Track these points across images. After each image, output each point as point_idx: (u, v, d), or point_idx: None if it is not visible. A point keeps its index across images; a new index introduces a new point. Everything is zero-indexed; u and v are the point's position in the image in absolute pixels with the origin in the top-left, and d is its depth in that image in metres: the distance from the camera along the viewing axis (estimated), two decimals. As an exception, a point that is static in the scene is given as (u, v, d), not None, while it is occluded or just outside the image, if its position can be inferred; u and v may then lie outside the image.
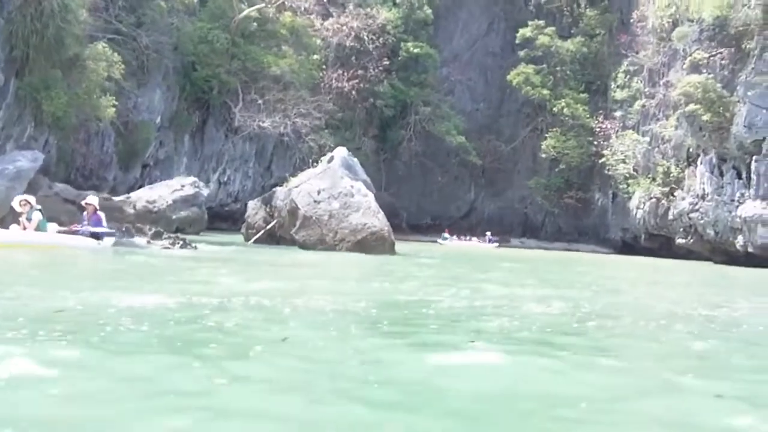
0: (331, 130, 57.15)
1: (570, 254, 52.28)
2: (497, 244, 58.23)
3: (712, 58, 50.39)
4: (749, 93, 46.68)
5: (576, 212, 63.01)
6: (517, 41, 64.73)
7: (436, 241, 57.96)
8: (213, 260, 21.11)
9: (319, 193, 33.42)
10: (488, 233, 60.86)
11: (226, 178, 54.10)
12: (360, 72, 60.92)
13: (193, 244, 26.16)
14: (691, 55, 51.13)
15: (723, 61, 50.03)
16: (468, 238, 59.93)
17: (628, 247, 59.28)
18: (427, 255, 35.46)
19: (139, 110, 46.39)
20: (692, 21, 51.38)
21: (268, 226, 35.57)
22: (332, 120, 57.74)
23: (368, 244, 31.61)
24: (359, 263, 25.89)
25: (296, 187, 34.51)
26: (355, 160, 37.88)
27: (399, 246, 35.29)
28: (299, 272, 19.23)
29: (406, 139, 64.22)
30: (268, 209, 36.25)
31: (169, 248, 23.87)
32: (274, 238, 35.16)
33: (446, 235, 59.87)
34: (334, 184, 33.63)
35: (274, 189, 38.25)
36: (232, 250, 28.77)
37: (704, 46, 50.88)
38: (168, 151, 49.83)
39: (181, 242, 24.79)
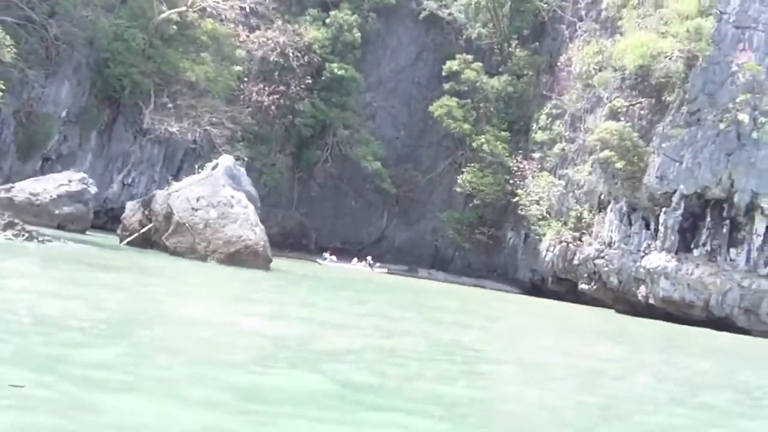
0: (247, 143, 57.16)
1: (458, 288, 53.17)
2: (386, 270, 59.10)
3: (631, 106, 51.66)
4: (664, 144, 47.94)
5: (487, 249, 63.64)
6: (443, 73, 65.32)
7: (316, 261, 58.36)
8: (50, 259, 21.16)
9: (198, 200, 33.54)
10: (369, 257, 61.40)
11: (130, 180, 53.77)
12: (282, 88, 61.19)
13: (42, 238, 25.97)
14: (611, 102, 52.17)
15: (642, 111, 51.30)
16: (351, 261, 60.29)
17: (536, 288, 60.03)
18: (297, 275, 35.80)
19: (44, 101, 46.02)
20: (616, 69, 52.45)
21: (143, 230, 35.44)
22: (248, 133, 57.74)
23: (241, 257, 31.82)
24: (209, 278, 26.04)
25: (176, 191, 34.53)
26: (242, 170, 38.11)
27: (278, 262, 35.63)
28: (119, 281, 19.44)
29: (323, 159, 64.39)
30: (146, 212, 36.13)
31: (11, 239, 23.65)
32: (149, 242, 35.06)
33: (326, 255, 60.08)
34: (214, 192, 33.77)
35: (155, 192, 38.18)
36: (92, 251, 28.59)
37: (625, 95, 52.15)
38: (72, 146, 49.46)
39: (27, 234, 24.58)
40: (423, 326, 18.82)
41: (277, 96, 60.68)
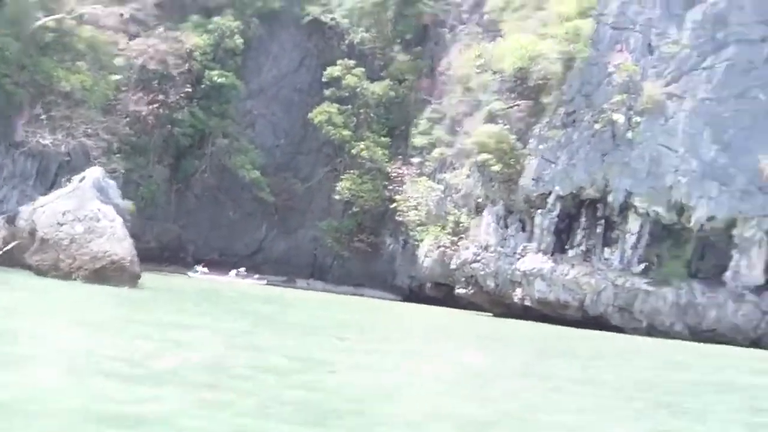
0: (124, 154, 55.13)
1: (333, 298, 52.51)
2: (264, 282, 58.40)
3: (510, 109, 51.45)
4: (540, 146, 48.00)
5: (366, 257, 62.94)
6: (324, 79, 64.63)
7: (186, 274, 56.96)
8: None
9: (63, 214, 32.25)
10: (242, 269, 60.27)
11: (2, 196, 51.19)
12: (161, 97, 59.31)
13: None
14: (490, 105, 52.03)
15: (520, 113, 51.25)
16: (228, 273, 59.04)
17: (415, 294, 59.58)
18: (160, 290, 34.69)
19: None
20: (495, 72, 52.35)
21: (6, 247, 33.79)
22: (125, 145, 55.79)
23: (106, 273, 30.62)
24: (55, 298, 25.08)
25: (42, 206, 33.12)
26: (112, 182, 36.76)
27: (148, 278, 34.58)
28: None
29: (201, 170, 62.88)
30: (10, 229, 34.50)
31: None
32: (13, 260, 33.41)
33: (197, 268, 58.70)
34: (81, 206, 32.48)
35: (19, 208, 36.55)
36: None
37: (504, 98, 52.08)
38: (-64, 159, 46.98)
39: None
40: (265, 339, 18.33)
41: (156, 105, 58.78)
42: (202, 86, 62.47)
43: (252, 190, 63.74)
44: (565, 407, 14.70)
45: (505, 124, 50.69)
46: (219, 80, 62.37)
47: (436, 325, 39.00)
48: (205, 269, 58.69)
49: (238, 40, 64.22)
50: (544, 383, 17.88)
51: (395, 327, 35.24)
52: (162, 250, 58.44)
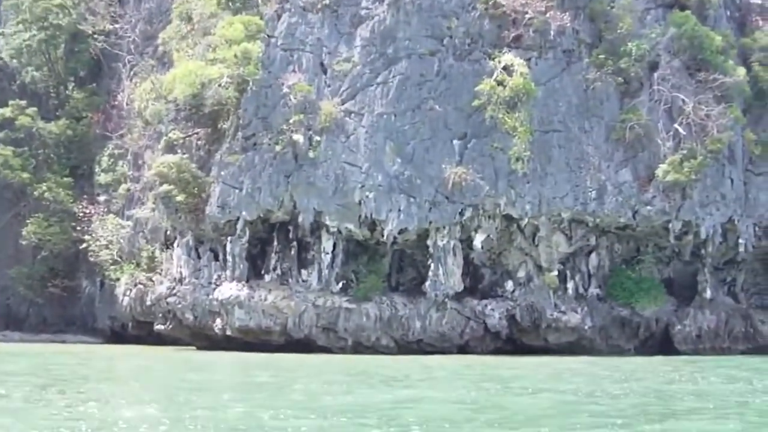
0: None
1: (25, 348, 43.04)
2: None
3: (188, 138, 43.89)
4: (223, 172, 40.72)
5: (62, 301, 53.31)
6: (-3, 122, 54.07)
7: None
8: None
9: None
10: None
11: None
12: None
13: None
14: (167, 135, 44.14)
15: (199, 141, 43.81)
16: None
17: (118, 335, 50.66)
18: None
19: None
20: (168, 101, 44.46)
21: None
22: None
23: None
24: None
25: None
26: None
27: None
28: None
29: None
30: None
31: None
32: None
33: None
34: None
35: None
36: None
37: (181, 126, 44.37)
38: None
39: None
40: None
41: None
42: None
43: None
44: None
45: (185, 154, 43.00)
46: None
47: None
48: None
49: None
50: None
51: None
52: None
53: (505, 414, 15.87)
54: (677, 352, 38.80)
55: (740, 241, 40.00)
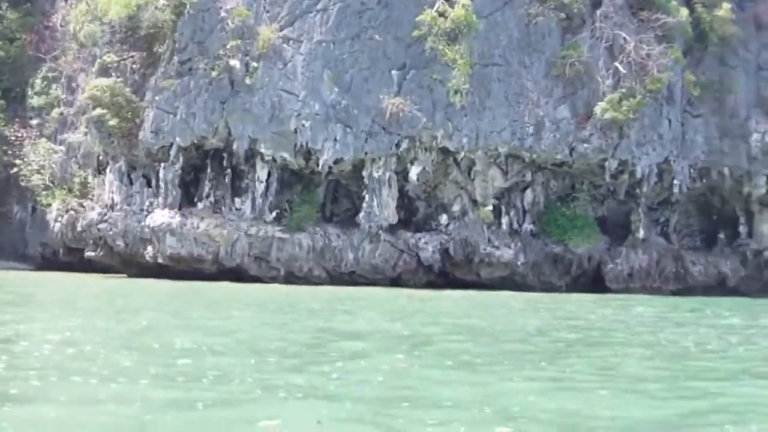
0: None
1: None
2: None
3: (123, 61, 42.56)
4: (157, 97, 39.70)
5: (-8, 227, 51.85)
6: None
7: None
8: None
9: None
10: None
11: None
12: None
13: None
14: (101, 58, 42.78)
15: (134, 65, 42.51)
16: None
17: (49, 262, 49.48)
18: None
19: None
20: (103, 23, 43.04)
21: None
22: None
23: None
24: None
25: None
26: None
27: None
28: None
29: None
30: None
31: None
32: None
33: None
34: None
35: None
36: None
37: (116, 49, 42.91)
38: None
39: None
40: None
41: None
42: None
43: None
44: None
45: (119, 77, 41.72)
46: None
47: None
48: None
49: None
50: None
51: None
52: None
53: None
54: (608, 291, 38.88)
55: (675, 182, 39.94)
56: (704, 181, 41.54)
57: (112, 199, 41.55)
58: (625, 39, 38.96)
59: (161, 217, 39.08)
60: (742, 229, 42.52)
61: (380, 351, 12.95)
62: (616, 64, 38.75)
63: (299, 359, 11.87)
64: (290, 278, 38.07)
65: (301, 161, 38.86)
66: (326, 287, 35.39)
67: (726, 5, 40.90)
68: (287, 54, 39.07)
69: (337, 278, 38.19)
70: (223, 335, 14.40)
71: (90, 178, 45.58)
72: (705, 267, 41.00)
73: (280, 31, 39.31)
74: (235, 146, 38.57)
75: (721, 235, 42.62)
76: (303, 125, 38.09)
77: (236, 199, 39.57)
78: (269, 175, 39.18)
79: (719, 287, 40.85)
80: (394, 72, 38.38)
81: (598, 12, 39.65)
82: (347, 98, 38.13)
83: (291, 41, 39.27)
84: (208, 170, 39.92)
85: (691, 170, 40.85)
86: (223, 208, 39.42)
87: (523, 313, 23.88)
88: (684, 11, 40.43)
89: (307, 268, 38.38)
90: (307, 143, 38.08)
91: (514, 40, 39.20)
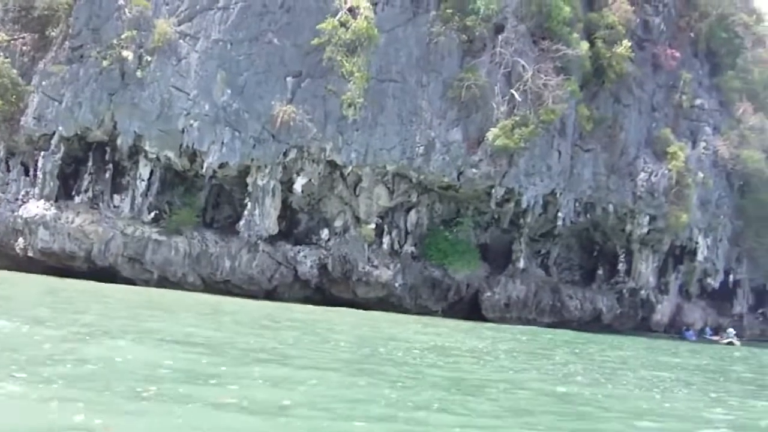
0: None
1: None
2: None
3: (13, 41, 40.98)
4: (44, 83, 38.22)
5: None
6: None
7: None
8: None
9: None
10: None
11: None
12: None
13: None
14: (-8, 36, 41.23)
15: (25, 47, 40.93)
16: None
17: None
18: None
19: None
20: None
21: None
22: None
23: None
24: None
25: None
26: None
27: None
28: None
29: None
30: None
31: None
32: None
33: None
34: None
35: None
36: None
37: (7, 29, 41.38)
38: None
39: None
40: None
41: None
42: None
43: None
44: None
45: (7, 57, 40.10)
46: None
47: None
48: None
49: None
50: None
51: None
52: None
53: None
54: (485, 319, 38.67)
55: (559, 214, 40.02)
56: (588, 216, 41.71)
57: (-16, 186, 39.89)
58: (523, 67, 38.80)
59: (36, 208, 37.56)
60: (621, 266, 42.91)
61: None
62: (513, 91, 38.56)
63: None
64: (163, 282, 36.94)
65: (186, 162, 37.82)
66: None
67: (626, 43, 41.17)
68: (182, 50, 37.96)
69: (211, 286, 37.22)
70: None
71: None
72: (581, 302, 41.20)
73: (178, 25, 38.20)
74: (119, 141, 37.28)
75: (600, 271, 42.95)
76: (191, 125, 37.03)
77: (115, 196, 38.31)
78: (151, 174, 38.06)
79: (594, 322, 41.07)
80: (289, 79, 37.59)
81: (500, 37, 39.38)
82: (239, 101, 37.18)
83: (188, 37, 38.16)
84: (89, 163, 38.50)
85: (577, 204, 40.95)
86: (100, 204, 38.10)
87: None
88: (584, 45, 40.48)
89: (181, 273, 37.31)
90: (193, 144, 37.02)
91: (413, 57, 38.72)
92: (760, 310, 57.68)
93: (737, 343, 45.63)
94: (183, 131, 37.04)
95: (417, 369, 15.36)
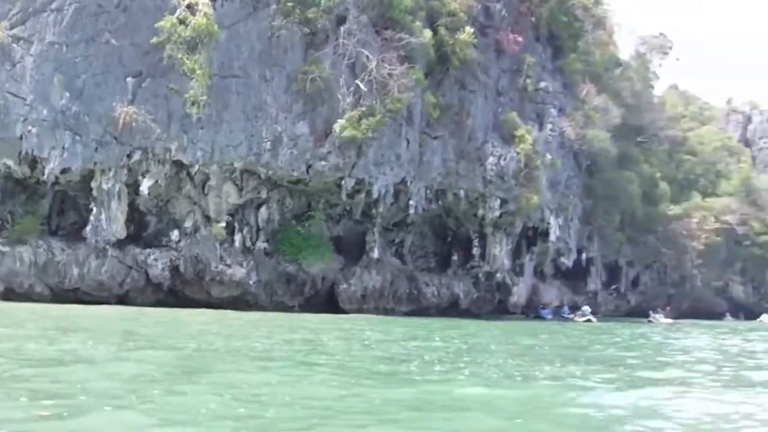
0: None
1: None
2: None
3: None
4: None
5: None
6: None
7: None
8: None
9: None
10: None
11: None
12: None
13: None
14: None
15: None
16: None
17: None
18: None
19: None
20: None
21: None
22: None
23: None
24: None
25: None
26: None
27: None
28: None
29: None
30: None
31: None
32: None
33: None
34: None
35: None
36: None
37: None
38: None
39: None
40: None
41: None
42: None
43: None
44: None
45: None
46: None
47: None
48: None
49: None
50: None
51: None
52: None
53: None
54: (342, 311, 38.66)
55: (411, 202, 40.31)
56: (440, 202, 42.18)
57: None
58: (367, 57, 38.86)
59: None
60: (476, 251, 43.59)
61: None
62: (358, 81, 38.61)
63: None
64: (9, 294, 35.49)
65: (26, 170, 36.53)
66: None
67: (469, 29, 41.70)
68: (16, 55, 36.60)
69: (60, 295, 35.99)
70: None
71: None
72: (438, 288, 41.67)
73: (11, 29, 36.78)
74: None
75: (455, 257, 43.49)
76: (29, 131, 35.73)
77: None
78: (-11, 184, 36.59)
79: (452, 308, 41.58)
80: (129, 79, 36.62)
81: (342, 29, 39.32)
82: (78, 104, 36.02)
83: (21, 41, 36.78)
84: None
85: (428, 191, 41.35)
86: None
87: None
88: (427, 33, 40.83)
89: (28, 284, 35.95)
90: (32, 150, 35.75)
91: (255, 52, 38.30)
92: (613, 286, 59.89)
93: (594, 320, 47.00)
94: (21, 138, 35.75)
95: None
